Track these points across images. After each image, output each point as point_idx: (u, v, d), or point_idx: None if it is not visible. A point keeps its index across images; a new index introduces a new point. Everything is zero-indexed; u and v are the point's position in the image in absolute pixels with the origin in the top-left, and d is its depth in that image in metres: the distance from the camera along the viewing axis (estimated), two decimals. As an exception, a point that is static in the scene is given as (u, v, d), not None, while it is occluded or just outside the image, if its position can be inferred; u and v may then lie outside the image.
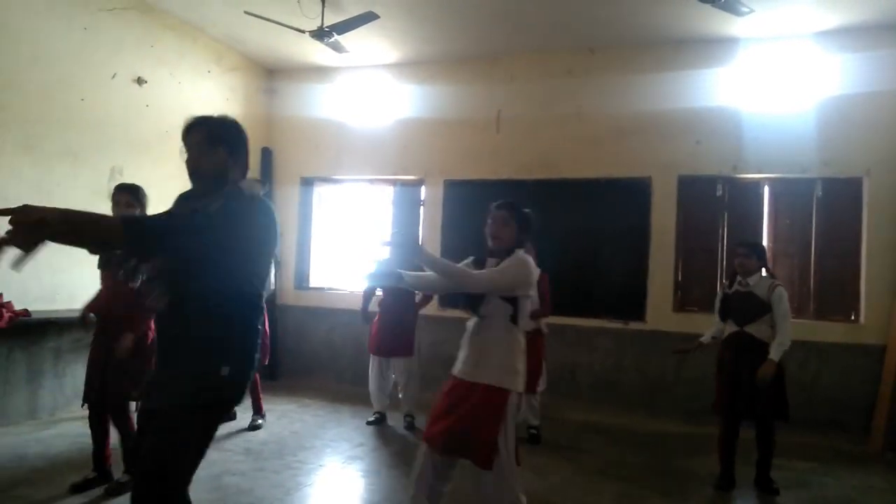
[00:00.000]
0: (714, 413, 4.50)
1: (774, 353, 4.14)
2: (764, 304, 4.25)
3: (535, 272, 2.96)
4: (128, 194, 3.79)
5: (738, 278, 4.40)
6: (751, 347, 4.24)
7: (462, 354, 2.97)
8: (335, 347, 7.58)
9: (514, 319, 2.88)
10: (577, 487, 4.35)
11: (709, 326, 4.68)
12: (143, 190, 3.87)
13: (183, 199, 2.42)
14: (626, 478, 4.57)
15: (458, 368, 2.95)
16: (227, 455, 4.61)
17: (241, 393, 2.24)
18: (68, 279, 5.46)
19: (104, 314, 3.82)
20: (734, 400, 4.27)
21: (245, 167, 2.39)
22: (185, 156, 2.32)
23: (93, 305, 3.92)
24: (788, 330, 4.20)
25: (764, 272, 4.44)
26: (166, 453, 2.06)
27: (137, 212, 3.72)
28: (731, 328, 4.39)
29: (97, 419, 3.81)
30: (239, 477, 4.16)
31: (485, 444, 2.75)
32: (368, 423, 5.76)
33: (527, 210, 3.13)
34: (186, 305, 2.14)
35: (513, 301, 2.88)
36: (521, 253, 2.96)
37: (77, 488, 3.73)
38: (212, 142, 2.28)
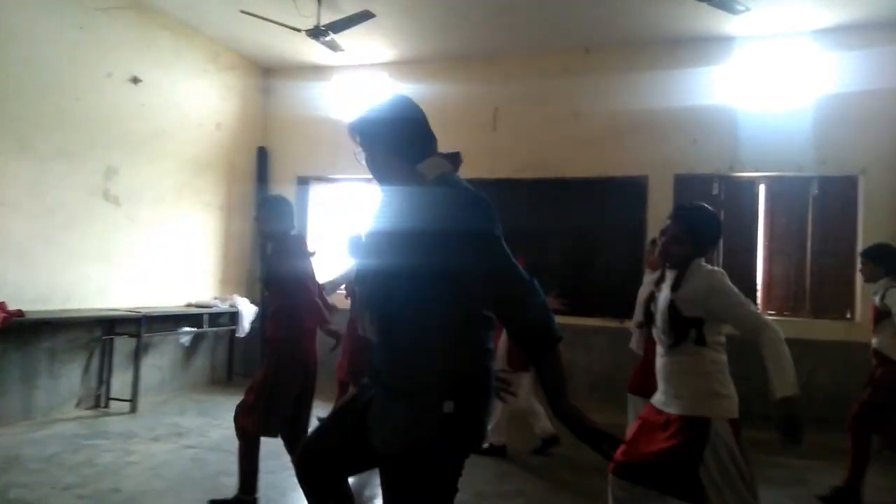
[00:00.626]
0: None
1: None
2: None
3: None
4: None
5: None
6: None
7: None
8: (329, 346, 7.54)
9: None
10: (576, 486, 4.35)
11: None
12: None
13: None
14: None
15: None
16: (223, 455, 4.60)
17: (477, 433, 1.81)
18: (63, 280, 5.44)
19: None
20: None
21: (421, 146, 2.05)
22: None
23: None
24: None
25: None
26: None
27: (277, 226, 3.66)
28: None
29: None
30: (233, 477, 4.14)
31: None
32: None
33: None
34: (407, 334, 1.83)
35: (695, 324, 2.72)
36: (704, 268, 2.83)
37: None
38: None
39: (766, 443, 5.44)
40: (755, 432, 5.13)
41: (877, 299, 4.22)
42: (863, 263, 4.36)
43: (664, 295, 2.67)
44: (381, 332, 1.83)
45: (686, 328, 2.59)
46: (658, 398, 2.72)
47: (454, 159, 2.07)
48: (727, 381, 2.69)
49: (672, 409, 2.62)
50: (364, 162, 2.06)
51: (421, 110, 2.05)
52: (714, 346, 2.65)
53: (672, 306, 2.60)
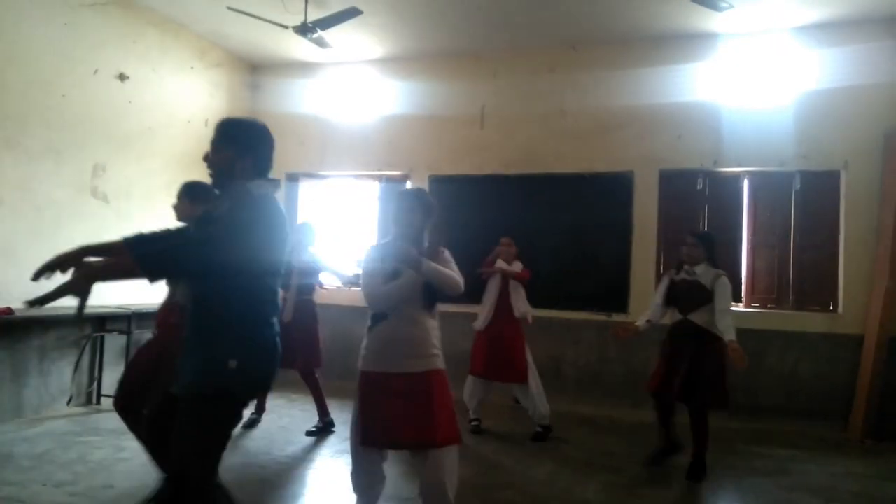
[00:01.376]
0: (646, 390, 4.68)
1: (729, 335, 4.19)
2: (708, 292, 4.37)
3: None
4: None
5: (685, 266, 4.54)
6: (693, 335, 4.39)
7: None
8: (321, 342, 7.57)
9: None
10: (564, 478, 4.41)
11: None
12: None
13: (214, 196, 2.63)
14: (611, 468, 4.63)
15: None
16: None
17: (251, 387, 2.33)
18: (52, 277, 5.42)
19: None
20: (672, 384, 4.39)
21: (261, 167, 2.56)
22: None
23: None
24: (730, 320, 4.26)
25: (707, 262, 4.52)
26: (182, 441, 2.24)
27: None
28: (675, 316, 4.56)
29: None
30: (226, 472, 4.16)
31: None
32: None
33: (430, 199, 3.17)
34: (201, 302, 2.30)
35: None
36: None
37: None
38: (221, 141, 2.51)
39: (751, 433, 5.56)
40: (741, 423, 5.26)
41: (701, 280, 4.42)
42: (694, 245, 4.50)
43: None
44: (194, 301, 2.33)
45: None
46: None
47: (275, 185, 2.63)
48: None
49: None
50: (212, 157, 2.50)
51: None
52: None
53: None
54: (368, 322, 2.96)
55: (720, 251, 6.50)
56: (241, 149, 2.48)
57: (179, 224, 2.62)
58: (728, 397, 4.39)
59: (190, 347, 2.30)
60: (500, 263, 5.54)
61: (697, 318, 4.39)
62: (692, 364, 4.32)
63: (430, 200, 3.11)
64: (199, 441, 2.24)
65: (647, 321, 4.61)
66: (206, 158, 2.50)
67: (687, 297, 4.45)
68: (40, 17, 5.43)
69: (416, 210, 3.01)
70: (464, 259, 5.18)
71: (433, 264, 2.81)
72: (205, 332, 2.27)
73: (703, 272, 4.44)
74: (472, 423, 5.49)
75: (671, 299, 4.57)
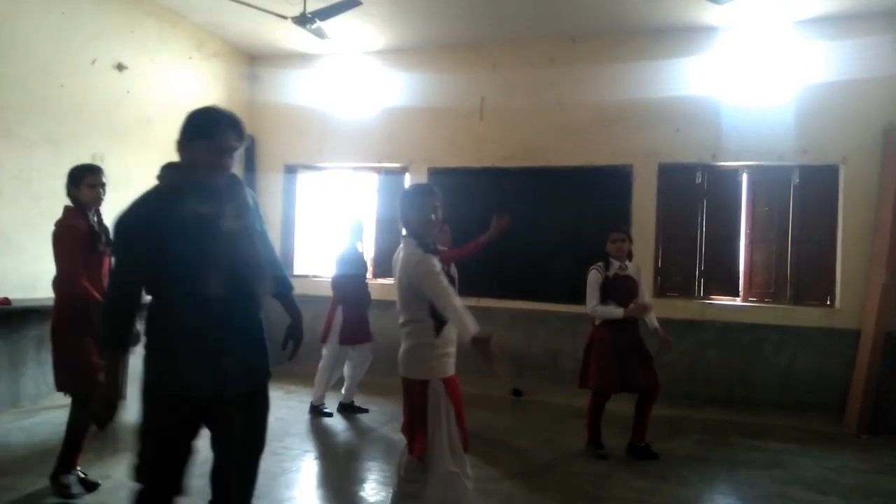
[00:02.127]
0: (586, 387, 4.79)
1: (655, 321, 4.72)
2: (637, 284, 4.74)
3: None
4: (101, 174, 3.70)
5: (616, 262, 4.73)
6: (631, 326, 4.68)
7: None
8: (318, 334, 7.57)
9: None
10: (561, 470, 4.43)
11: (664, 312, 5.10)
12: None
13: None
14: (608, 461, 4.65)
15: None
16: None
17: (178, 388, 2.22)
18: (49, 267, 5.40)
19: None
20: (621, 376, 4.57)
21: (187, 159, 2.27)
22: None
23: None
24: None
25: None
26: (254, 447, 2.47)
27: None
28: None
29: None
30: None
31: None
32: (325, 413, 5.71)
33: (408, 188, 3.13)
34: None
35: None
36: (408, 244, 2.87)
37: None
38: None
39: (746, 427, 5.58)
40: (737, 416, 5.29)
41: (631, 274, 4.75)
42: (623, 241, 4.75)
43: None
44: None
45: None
46: None
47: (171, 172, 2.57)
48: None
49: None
50: (233, 155, 2.27)
51: None
52: None
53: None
54: (433, 323, 2.80)
55: (719, 245, 6.57)
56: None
57: None
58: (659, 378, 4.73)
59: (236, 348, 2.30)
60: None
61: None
62: (641, 355, 4.61)
63: (436, 192, 3.00)
64: (138, 437, 2.31)
65: (593, 307, 4.75)
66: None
67: (625, 291, 4.68)
68: (38, 6, 5.40)
69: (428, 207, 2.86)
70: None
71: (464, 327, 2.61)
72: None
73: (630, 266, 4.77)
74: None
75: (607, 295, 4.68)
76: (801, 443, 5.34)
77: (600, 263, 4.77)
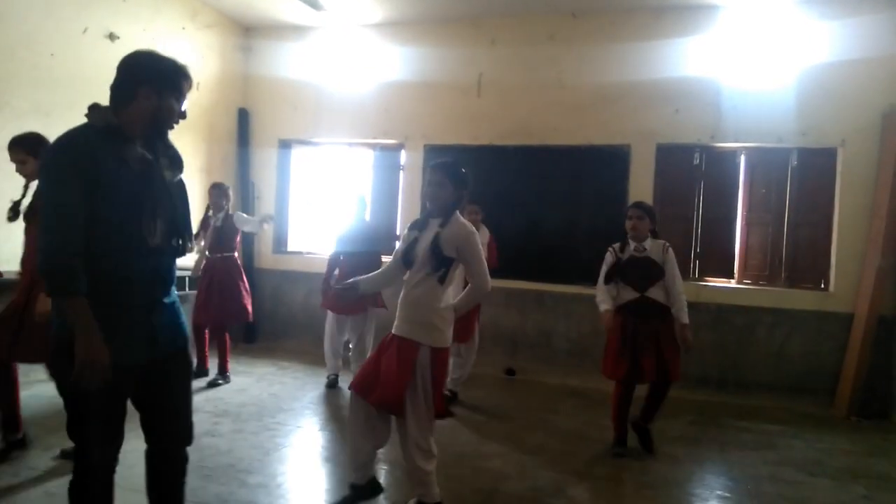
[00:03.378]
0: (608, 377, 4.43)
1: (685, 316, 4.24)
2: (660, 267, 4.26)
3: (479, 235, 3.17)
4: (17, 150, 3.54)
5: (633, 243, 4.34)
6: (654, 312, 4.25)
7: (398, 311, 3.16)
8: (313, 311, 7.55)
9: (441, 280, 3.03)
10: (554, 449, 4.45)
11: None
12: (33, 137, 3.55)
13: None
14: (601, 440, 4.67)
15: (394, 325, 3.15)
16: (205, 417, 4.63)
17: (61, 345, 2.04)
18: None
19: (25, 268, 3.61)
20: (640, 365, 4.20)
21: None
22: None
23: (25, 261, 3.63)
24: (682, 289, 4.29)
25: (651, 235, 4.39)
26: (187, 402, 2.41)
27: (34, 163, 3.47)
28: (629, 294, 4.31)
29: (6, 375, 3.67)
30: (217, 438, 4.19)
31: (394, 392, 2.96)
32: (327, 386, 5.79)
33: (463, 170, 3.22)
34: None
35: (447, 263, 3.02)
36: (461, 219, 3.10)
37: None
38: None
39: (739, 408, 5.61)
40: (729, 398, 5.32)
41: (651, 255, 4.29)
42: (640, 218, 4.30)
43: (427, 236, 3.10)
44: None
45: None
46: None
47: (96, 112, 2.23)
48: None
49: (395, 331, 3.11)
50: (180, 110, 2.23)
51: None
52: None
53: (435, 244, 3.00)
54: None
55: (716, 227, 6.55)
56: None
57: None
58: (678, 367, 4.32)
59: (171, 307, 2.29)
60: None
61: (655, 294, 4.25)
62: (659, 342, 4.20)
63: (462, 173, 3.14)
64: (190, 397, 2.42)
65: (603, 299, 4.40)
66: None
67: (641, 274, 4.27)
68: (27, -28, 5.27)
69: (447, 184, 3.08)
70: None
71: (463, 303, 3.15)
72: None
73: (651, 246, 4.31)
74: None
75: (621, 277, 4.33)
76: (793, 425, 5.38)
77: (617, 244, 4.42)
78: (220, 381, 5.60)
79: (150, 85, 2.13)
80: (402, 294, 3.12)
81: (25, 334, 3.49)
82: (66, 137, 2.06)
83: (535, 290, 6.81)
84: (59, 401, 2.28)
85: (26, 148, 3.52)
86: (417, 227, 3.15)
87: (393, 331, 3.09)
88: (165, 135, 2.21)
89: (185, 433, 2.37)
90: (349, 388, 3.16)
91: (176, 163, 2.25)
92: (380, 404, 2.98)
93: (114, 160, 2.05)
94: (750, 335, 6.23)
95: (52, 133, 5.51)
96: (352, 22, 7.51)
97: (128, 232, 2.06)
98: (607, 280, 4.39)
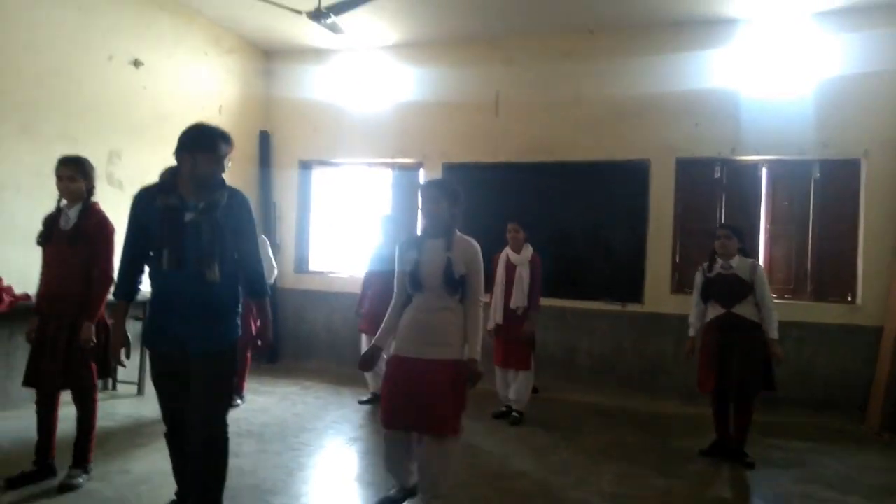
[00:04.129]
0: (701, 393, 4.66)
1: (775, 332, 4.38)
2: (748, 284, 4.42)
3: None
4: (70, 167, 3.58)
5: (720, 261, 4.52)
6: (741, 328, 4.40)
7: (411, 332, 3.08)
8: (335, 330, 7.60)
9: (461, 299, 3.08)
10: (578, 468, 4.40)
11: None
12: (86, 161, 3.67)
13: None
14: (625, 458, 4.61)
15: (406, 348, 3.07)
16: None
17: (151, 343, 2.92)
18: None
19: (55, 294, 3.54)
20: (725, 380, 4.40)
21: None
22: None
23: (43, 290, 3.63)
24: (773, 306, 4.45)
25: (739, 253, 4.57)
26: (217, 399, 2.93)
27: (82, 185, 3.57)
28: (716, 310, 4.51)
29: (48, 404, 3.63)
30: (241, 459, 4.20)
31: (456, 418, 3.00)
32: (361, 402, 5.81)
33: (456, 186, 3.23)
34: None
35: (462, 282, 3.05)
36: (463, 236, 3.11)
37: (13, 483, 3.53)
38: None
39: (766, 425, 5.50)
40: (756, 414, 5.19)
41: (739, 273, 4.47)
42: (728, 237, 4.50)
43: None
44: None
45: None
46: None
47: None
48: None
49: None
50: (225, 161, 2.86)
51: None
52: None
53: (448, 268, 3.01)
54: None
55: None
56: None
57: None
58: (773, 378, 4.51)
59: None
60: (509, 253, 5.51)
61: (742, 310, 4.42)
62: (744, 357, 4.35)
63: (455, 189, 3.16)
64: (226, 395, 2.97)
65: (696, 318, 4.66)
66: None
67: (728, 291, 4.44)
68: (55, 3, 5.42)
69: (442, 200, 3.08)
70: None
71: (475, 342, 3.05)
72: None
73: (738, 264, 4.47)
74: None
75: (708, 294, 4.54)
76: (823, 441, 5.27)
77: (706, 263, 4.64)
78: (238, 402, 5.57)
79: (185, 150, 2.78)
80: (413, 317, 3.07)
81: (75, 363, 3.51)
82: (136, 194, 2.88)
83: (556, 306, 6.77)
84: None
85: (80, 168, 3.59)
86: (415, 246, 3.12)
87: (415, 355, 3.01)
88: (208, 186, 2.78)
89: (200, 425, 2.79)
90: (385, 426, 3.14)
91: (210, 206, 2.75)
92: (438, 433, 2.94)
93: (153, 209, 2.75)
94: (776, 350, 6.13)
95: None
96: (370, 44, 7.61)
97: (156, 260, 2.77)
98: (704, 299, 4.58)
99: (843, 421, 5.83)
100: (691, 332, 4.69)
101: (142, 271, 2.90)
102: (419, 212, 3.20)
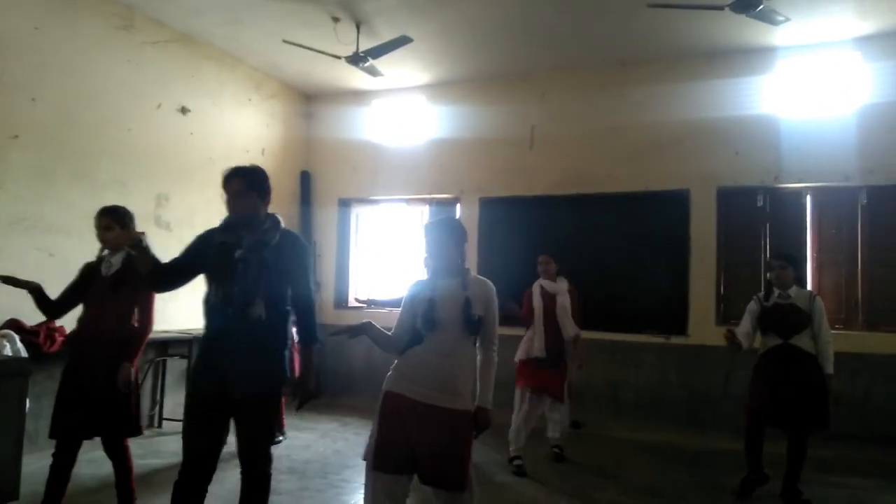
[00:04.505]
0: (747, 415, 4.45)
1: (831, 367, 4.21)
2: (806, 315, 4.26)
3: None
4: (106, 217, 3.63)
5: (777, 291, 4.38)
6: (799, 359, 4.23)
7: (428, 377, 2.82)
8: (375, 366, 7.55)
9: (475, 342, 2.91)
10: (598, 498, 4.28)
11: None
12: (123, 210, 3.68)
13: None
14: (673, 496, 4.47)
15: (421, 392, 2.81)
16: (275, 473, 4.65)
17: (192, 386, 3.04)
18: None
19: (91, 336, 3.51)
20: (776, 409, 4.24)
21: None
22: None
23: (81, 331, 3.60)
24: (831, 340, 4.28)
25: (796, 283, 4.42)
26: (263, 439, 2.93)
27: (116, 231, 3.57)
28: (773, 341, 4.35)
29: (70, 455, 3.47)
30: (284, 496, 4.21)
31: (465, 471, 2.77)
32: None
33: (461, 225, 3.09)
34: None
35: (480, 323, 2.86)
36: (477, 275, 2.98)
37: None
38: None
39: (823, 462, 5.28)
40: (812, 450, 5.01)
41: (797, 303, 4.30)
42: (783, 268, 4.35)
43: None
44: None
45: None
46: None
47: None
48: None
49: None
50: (244, 196, 2.96)
51: None
52: None
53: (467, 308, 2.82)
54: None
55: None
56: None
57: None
58: (829, 416, 4.27)
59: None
60: (543, 283, 5.28)
61: (799, 341, 4.25)
62: (800, 389, 4.19)
63: (461, 227, 3.03)
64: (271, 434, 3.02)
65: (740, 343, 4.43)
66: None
67: (785, 321, 4.30)
68: (109, 55, 5.71)
69: (449, 241, 2.92)
70: (517, 283, 5.16)
71: (487, 390, 2.87)
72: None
73: (796, 294, 4.34)
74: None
75: (765, 325, 4.39)
76: (883, 478, 5.02)
77: (761, 293, 4.51)
78: (280, 439, 5.60)
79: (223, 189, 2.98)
80: (426, 359, 2.81)
81: (109, 408, 3.42)
82: (203, 232, 3.00)
83: (599, 339, 6.67)
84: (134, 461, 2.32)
85: (115, 217, 3.63)
86: (428, 288, 2.91)
87: (427, 400, 2.76)
88: (245, 225, 2.89)
89: (251, 463, 2.82)
90: (378, 469, 2.81)
91: (257, 244, 2.82)
92: (449, 486, 2.74)
93: (211, 245, 2.87)
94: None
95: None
96: (406, 84, 7.78)
97: (208, 295, 2.87)
98: (761, 329, 4.43)
99: (905, 457, 5.55)
100: (744, 345, 4.39)
101: (172, 273, 2.94)
102: (425, 253, 2.98)
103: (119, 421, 3.47)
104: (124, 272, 3.56)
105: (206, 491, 2.82)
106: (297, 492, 4.34)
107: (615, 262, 6.79)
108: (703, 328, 6.44)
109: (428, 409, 2.75)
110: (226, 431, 2.83)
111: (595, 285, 6.75)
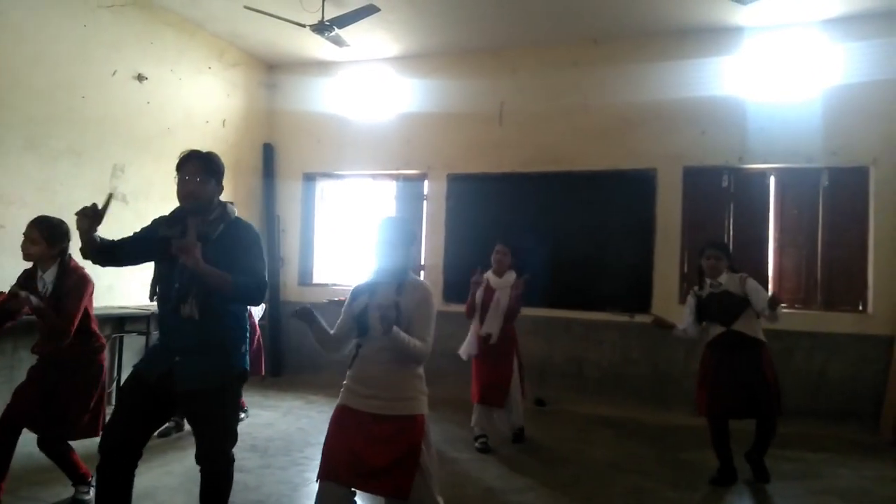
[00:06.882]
0: (700, 414, 4.47)
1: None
2: (741, 299, 4.25)
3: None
4: (37, 230, 3.43)
5: (709, 280, 4.38)
6: (742, 345, 4.25)
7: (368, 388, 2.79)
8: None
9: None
10: (589, 481, 4.32)
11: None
12: (58, 227, 3.50)
13: None
14: (637, 471, 4.53)
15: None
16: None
17: (139, 367, 2.87)
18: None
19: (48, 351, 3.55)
20: (730, 399, 4.23)
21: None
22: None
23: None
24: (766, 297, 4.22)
25: (727, 269, 4.40)
26: (224, 431, 2.87)
27: (44, 250, 3.41)
28: (716, 329, 4.35)
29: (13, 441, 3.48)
30: (245, 474, 4.14)
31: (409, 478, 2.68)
32: None
33: (413, 227, 3.02)
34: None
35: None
36: (417, 279, 2.89)
37: None
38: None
39: (779, 437, 5.41)
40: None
41: (729, 289, 4.29)
42: (717, 258, 4.34)
43: None
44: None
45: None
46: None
47: None
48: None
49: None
50: (200, 180, 2.82)
51: None
52: None
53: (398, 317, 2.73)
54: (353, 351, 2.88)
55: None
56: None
57: None
58: (780, 403, 4.35)
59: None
60: (490, 277, 5.04)
61: (742, 326, 4.26)
62: (753, 375, 4.21)
63: (413, 229, 2.96)
64: (228, 432, 2.87)
65: (684, 330, 4.50)
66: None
67: (723, 309, 4.30)
68: (61, 19, 5.44)
69: (397, 242, 2.84)
70: (484, 261, 5.11)
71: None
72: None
73: (727, 281, 4.32)
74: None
75: (705, 315, 4.40)
76: (837, 452, 5.17)
77: (696, 286, 4.50)
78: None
79: (177, 173, 2.87)
80: (363, 369, 2.81)
81: (61, 408, 3.49)
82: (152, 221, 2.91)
83: (562, 317, 6.72)
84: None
85: (41, 231, 3.42)
86: (367, 292, 2.86)
87: (369, 409, 2.73)
88: (196, 212, 2.79)
89: (206, 455, 2.77)
90: (325, 479, 2.70)
91: (208, 234, 2.74)
92: (391, 494, 2.67)
93: (154, 236, 2.81)
94: (788, 360, 6.05)
95: (82, 172, 5.64)
96: (373, 56, 7.62)
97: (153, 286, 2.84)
98: (699, 319, 4.43)
99: (858, 431, 5.73)
100: (680, 325, 4.50)
101: (113, 249, 2.82)
102: (375, 248, 2.84)
103: (57, 424, 3.50)
104: (59, 289, 3.42)
105: (134, 465, 2.71)
106: (258, 469, 4.28)
107: (581, 239, 6.81)
108: (667, 306, 6.49)
109: (373, 417, 2.73)
110: (155, 420, 2.79)
111: (561, 263, 6.78)
